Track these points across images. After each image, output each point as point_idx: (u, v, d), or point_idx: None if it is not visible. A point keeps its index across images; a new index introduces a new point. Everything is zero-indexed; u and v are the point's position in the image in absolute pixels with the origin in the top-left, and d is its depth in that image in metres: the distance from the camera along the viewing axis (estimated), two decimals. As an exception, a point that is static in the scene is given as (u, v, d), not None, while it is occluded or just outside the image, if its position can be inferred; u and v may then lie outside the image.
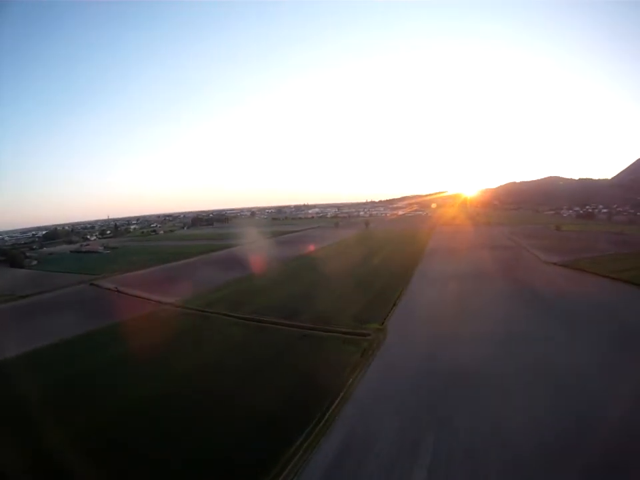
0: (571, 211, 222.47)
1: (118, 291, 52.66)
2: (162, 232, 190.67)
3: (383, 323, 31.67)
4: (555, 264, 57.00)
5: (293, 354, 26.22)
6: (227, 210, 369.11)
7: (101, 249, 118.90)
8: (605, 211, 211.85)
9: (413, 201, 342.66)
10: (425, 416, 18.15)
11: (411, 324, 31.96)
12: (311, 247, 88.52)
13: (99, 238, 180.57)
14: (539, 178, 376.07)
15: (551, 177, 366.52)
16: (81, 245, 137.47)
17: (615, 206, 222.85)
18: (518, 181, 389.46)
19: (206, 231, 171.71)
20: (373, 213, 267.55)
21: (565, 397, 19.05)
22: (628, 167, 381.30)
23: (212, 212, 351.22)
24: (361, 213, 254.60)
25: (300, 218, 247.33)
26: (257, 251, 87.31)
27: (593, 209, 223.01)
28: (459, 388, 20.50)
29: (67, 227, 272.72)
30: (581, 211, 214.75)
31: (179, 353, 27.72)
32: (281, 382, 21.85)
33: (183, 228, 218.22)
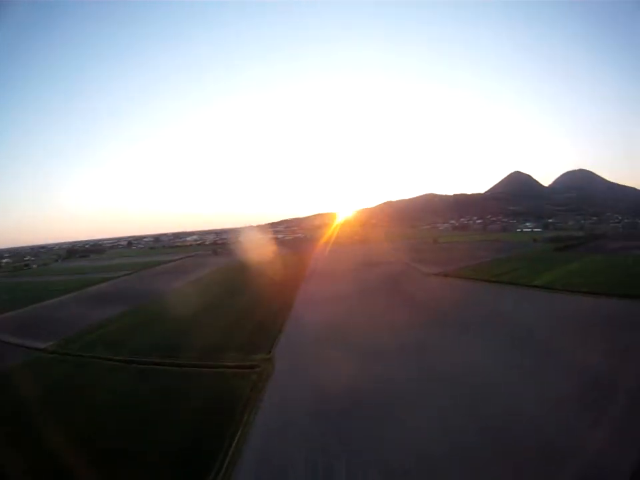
0: (447, 224, 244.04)
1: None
2: (35, 266, 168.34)
3: (270, 352, 31.29)
4: (436, 275, 62.56)
5: (180, 398, 24.15)
6: (104, 240, 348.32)
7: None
8: (479, 221, 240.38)
9: (292, 223, 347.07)
10: (328, 441, 18.26)
11: (298, 349, 32.14)
12: (188, 277, 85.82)
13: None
14: (415, 196, 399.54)
15: (426, 194, 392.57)
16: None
17: (489, 216, 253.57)
18: (394, 199, 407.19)
19: (82, 264, 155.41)
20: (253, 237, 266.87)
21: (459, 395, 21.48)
22: (500, 181, 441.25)
23: (87, 242, 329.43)
24: (240, 239, 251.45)
25: (178, 246, 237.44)
26: (133, 283, 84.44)
27: (468, 220, 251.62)
28: (357, 408, 21.04)
29: None
30: (457, 224, 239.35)
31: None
32: (170, 436, 19.74)
33: (57, 261, 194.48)
